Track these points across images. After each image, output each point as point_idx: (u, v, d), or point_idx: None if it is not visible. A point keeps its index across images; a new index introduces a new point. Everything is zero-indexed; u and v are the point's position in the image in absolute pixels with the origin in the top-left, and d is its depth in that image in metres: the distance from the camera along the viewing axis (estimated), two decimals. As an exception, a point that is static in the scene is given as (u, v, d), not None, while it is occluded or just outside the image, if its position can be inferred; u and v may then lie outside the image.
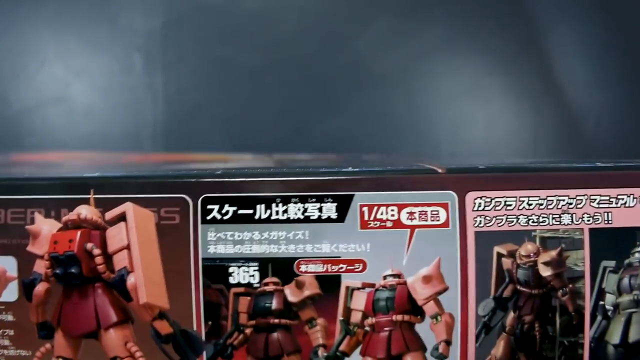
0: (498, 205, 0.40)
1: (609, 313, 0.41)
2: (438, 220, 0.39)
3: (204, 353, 0.40)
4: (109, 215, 0.39)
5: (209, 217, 0.39)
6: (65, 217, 0.39)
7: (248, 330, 0.40)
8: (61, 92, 0.71)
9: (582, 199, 0.40)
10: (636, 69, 0.74)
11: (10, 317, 0.40)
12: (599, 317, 0.41)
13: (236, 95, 0.73)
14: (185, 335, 0.39)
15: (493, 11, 0.75)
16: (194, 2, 0.74)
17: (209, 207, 0.39)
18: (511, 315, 0.41)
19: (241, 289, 0.39)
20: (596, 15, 0.75)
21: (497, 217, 0.40)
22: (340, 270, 0.39)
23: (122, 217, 0.39)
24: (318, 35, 0.74)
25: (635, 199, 0.40)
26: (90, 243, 0.39)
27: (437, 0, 0.75)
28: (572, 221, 0.40)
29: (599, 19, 0.75)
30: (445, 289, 0.40)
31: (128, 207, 0.39)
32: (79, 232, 0.39)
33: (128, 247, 0.38)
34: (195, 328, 0.39)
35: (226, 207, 0.39)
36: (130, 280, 0.38)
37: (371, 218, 0.39)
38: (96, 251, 0.38)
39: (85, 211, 0.39)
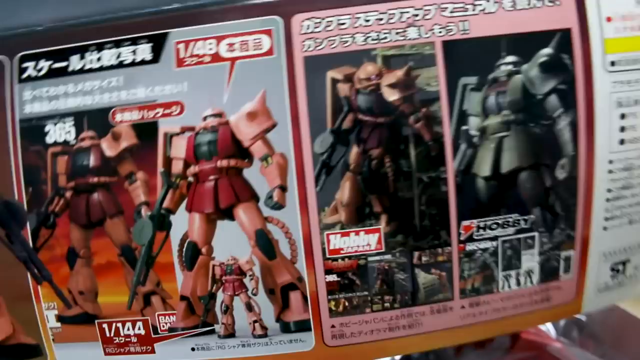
0: (329, 26, 0.34)
1: (475, 140, 0.34)
2: (261, 49, 0.34)
3: (27, 224, 0.36)
4: None
5: (24, 76, 0.36)
6: None
7: (68, 194, 0.36)
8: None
9: (430, 9, 0.34)
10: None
11: None
12: (463, 146, 0.33)
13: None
14: (8, 207, 0.36)
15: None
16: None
17: (25, 65, 0.36)
18: (355, 150, 0.34)
19: (58, 148, 0.36)
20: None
21: (329, 39, 0.34)
22: (157, 115, 0.35)
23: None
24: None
25: (496, 4, 0.33)
26: None
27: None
28: (420, 35, 0.34)
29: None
30: (274, 125, 0.34)
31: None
32: None
33: (-52, 119, 0.36)
34: (16, 196, 0.36)
35: (41, 63, 0.36)
36: (-51, 153, 0.36)
37: (187, 54, 0.35)
38: None
39: None
